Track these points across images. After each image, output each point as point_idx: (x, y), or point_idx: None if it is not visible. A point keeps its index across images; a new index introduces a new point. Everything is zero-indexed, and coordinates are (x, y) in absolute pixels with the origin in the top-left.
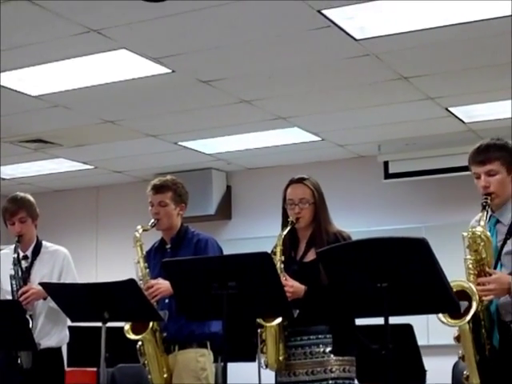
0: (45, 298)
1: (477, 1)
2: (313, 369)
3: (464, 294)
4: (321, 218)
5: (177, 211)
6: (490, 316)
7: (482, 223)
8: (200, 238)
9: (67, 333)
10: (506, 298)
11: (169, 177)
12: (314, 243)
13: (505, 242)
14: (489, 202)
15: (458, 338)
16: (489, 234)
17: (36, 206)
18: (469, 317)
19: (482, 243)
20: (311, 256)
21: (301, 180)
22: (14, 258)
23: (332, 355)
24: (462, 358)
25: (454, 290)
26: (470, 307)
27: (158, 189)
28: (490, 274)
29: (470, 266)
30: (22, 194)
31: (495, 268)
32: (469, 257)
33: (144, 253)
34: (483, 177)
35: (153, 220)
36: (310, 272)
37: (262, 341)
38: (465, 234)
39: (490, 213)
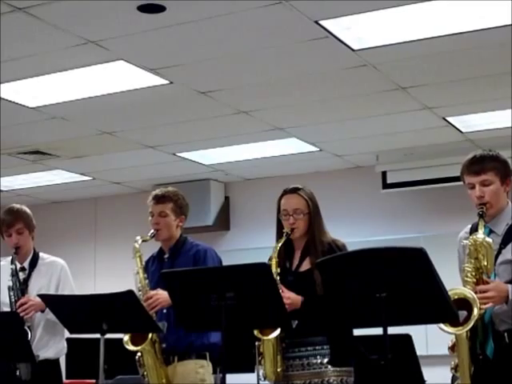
0: (42, 311)
1: (474, 11)
2: (310, 380)
3: (463, 302)
4: (315, 228)
5: (176, 222)
6: (483, 326)
7: (481, 231)
8: (199, 249)
9: (65, 344)
10: (502, 306)
11: (170, 188)
12: (308, 253)
13: (499, 252)
14: (485, 210)
15: (452, 348)
16: (490, 240)
17: (32, 218)
18: (471, 324)
19: (483, 250)
20: (306, 266)
21: (295, 190)
22: (11, 269)
23: (329, 366)
24: (455, 368)
25: (455, 297)
26: (470, 315)
27: (159, 199)
28: (489, 283)
29: (469, 274)
30: (18, 206)
31: (490, 277)
32: (467, 265)
33: (143, 263)
34: (478, 187)
35: (152, 230)
36: (305, 282)
37: (260, 353)
38: (465, 242)
39: (484, 223)
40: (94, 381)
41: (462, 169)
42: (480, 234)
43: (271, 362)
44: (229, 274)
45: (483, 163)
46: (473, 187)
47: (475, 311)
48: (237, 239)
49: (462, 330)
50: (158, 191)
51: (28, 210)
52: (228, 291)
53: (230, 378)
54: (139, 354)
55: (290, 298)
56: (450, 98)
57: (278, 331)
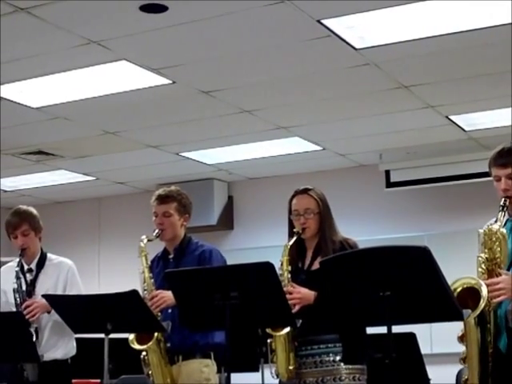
0: (49, 312)
1: (476, 10)
2: (323, 377)
3: (471, 291)
4: (326, 228)
5: (181, 222)
6: (495, 320)
7: (499, 223)
8: (204, 249)
9: (74, 345)
10: None
11: (173, 187)
12: (320, 252)
13: None
14: (507, 203)
15: (461, 338)
16: (505, 231)
17: (39, 219)
18: (480, 309)
19: (498, 241)
20: (317, 265)
21: (305, 191)
22: (16, 271)
23: (342, 364)
24: (464, 359)
25: (461, 288)
26: (478, 301)
27: (163, 199)
28: (501, 275)
29: (482, 264)
30: (24, 207)
31: (508, 270)
32: (482, 255)
33: (149, 263)
34: (504, 180)
35: (157, 230)
36: (317, 280)
37: (272, 350)
38: (481, 230)
39: (507, 216)
40: (98, 380)
41: (489, 161)
42: (496, 225)
43: (284, 360)
44: (233, 274)
45: (510, 156)
46: (499, 180)
47: (483, 293)
48: (240, 238)
49: (471, 316)
50: (161, 191)
51: (35, 212)
52: (232, 290)
53: (234, 377)
54: (144, 353)
55: (301, 292)
56: (452, 97)
57: (289, 328)
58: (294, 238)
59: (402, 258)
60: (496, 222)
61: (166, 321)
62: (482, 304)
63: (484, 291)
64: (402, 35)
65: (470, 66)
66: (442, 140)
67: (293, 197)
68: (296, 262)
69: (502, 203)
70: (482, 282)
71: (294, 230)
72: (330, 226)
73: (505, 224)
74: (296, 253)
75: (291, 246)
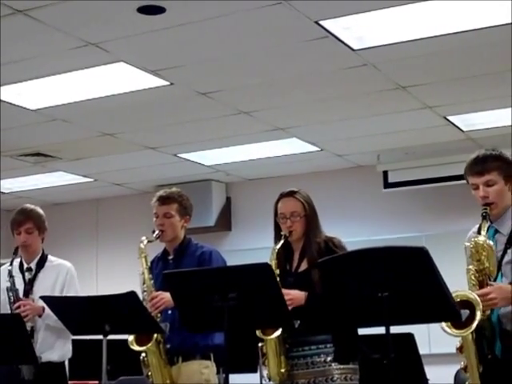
0: (40, 316)
1: (474, 10)
2: (315, 378)
3: (467, 304)
4: (312, 230)
5: (181, 223)
6: (491, 326)
7: (483, 233)
8: (204, 251)
9: (70, 347)
10: (506, 307)
11: (174, 189)
12: (306, 254)
13: (505, 252)
14: (488, 212)
15: (460, 349)
16: (491, 243)
17: (45, 219)
18: (473, 327)
19: (485, 253)
20: (304, 266)
21: (291, 193)
22: (9, 269)
23: (333, 364)
24: (464, 368)
25: (458, 299)
26: (473, 317)
27: (164, 200)
28: (492, 285)
29: (472, 276)
30: (31, 206)
31: (496, 278)
32: (471, 267)
33: (149, 264)
34: (481, 187)
35: (157, 231)
36: (304, 282)
37: (264, 354)
38: (467, 244)
39: (488, 223)
40: (97, 382)
41: (465, 169)
42: (481, 237)
43: (275, 363)
44: (231, 275)
45: (486, 163)
46: (477, 188)
47: (478, 314)
48: (238, 240)
49: (465, 333)
50: (162, 192)
51: (40, 212)
52: (230, 292)
53: (232, 378)
54: (144, 354)
55: (291, 294)
56: (450, 97)
57: (279, 331)
58: (282, 242)
59: (400, 258)
60: (479, 232)
61: (165, 322)
62: (474, 325)
63: (479, 313)
64: (399, 36)
65: (468, 67)
66: (439, 140)
67: (278, 200)
68: (283, 264)
69: (483, 213)
70: (479, 299)
71: (282, 233)
72: (315, 228)
73: (487, 230)
74: (283, 255)
75: (279, 249)
